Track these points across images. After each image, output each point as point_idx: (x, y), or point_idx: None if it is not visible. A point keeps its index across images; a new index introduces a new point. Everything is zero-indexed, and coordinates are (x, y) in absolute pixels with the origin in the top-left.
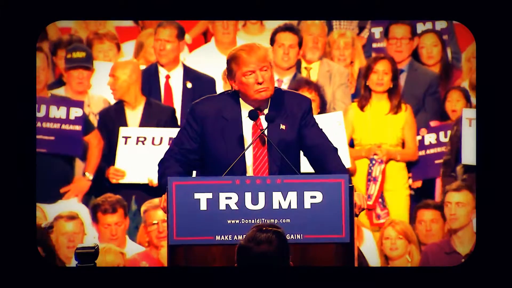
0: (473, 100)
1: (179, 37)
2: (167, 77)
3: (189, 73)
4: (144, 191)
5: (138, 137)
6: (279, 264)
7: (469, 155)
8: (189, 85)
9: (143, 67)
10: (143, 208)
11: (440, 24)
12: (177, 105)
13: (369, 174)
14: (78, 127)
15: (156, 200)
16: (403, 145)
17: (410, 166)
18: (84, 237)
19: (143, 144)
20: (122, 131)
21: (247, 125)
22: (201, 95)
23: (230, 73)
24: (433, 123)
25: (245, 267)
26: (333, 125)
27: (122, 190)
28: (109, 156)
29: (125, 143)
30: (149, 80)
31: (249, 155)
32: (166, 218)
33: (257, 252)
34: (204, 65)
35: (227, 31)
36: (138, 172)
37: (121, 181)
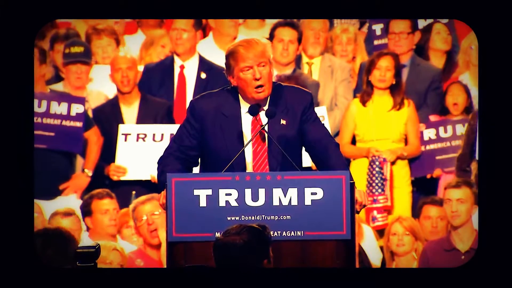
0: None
1: (195, 26)
2: (182, 67)
3: (204, 63)
4: (144, 187)
5: (138, 134)
6: (246, 258)
7: None
8: (203, 75)
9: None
10: (131, 207)
11: (441, 21)
12: (189, 95)
13: (382, 174)
14: (79, 124)
15: (142, 197)
16: (405, 141)
17: (410, 161)
18: (81, 234)
19: (144, 141)
20: (122, 128)
21: (247, 121)
22: (215, 86)
23: (228, 69)
24: (432, 118)
25: (217, 263)
26: None
27: (122, 187)
28: (105, 153)
29: (125, 140)
30: (163, 71)
31: (249, 151)
32: (155, 212)
33: (223, 243)
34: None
35: (232, 23)
36: (139, 169)
37: (122, 178)
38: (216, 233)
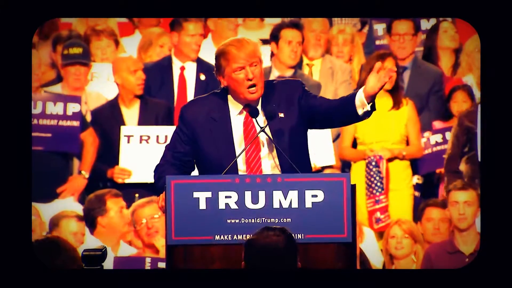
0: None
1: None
2: (182, 68)
3: (203, 65)
4: (147, 190)
5: (141, 136)
6: (286, 259)
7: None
8: (202, 77)
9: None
10: (130, 210)
11: (448, 19)
12: (190, 96)
13: (380, 172)
14: (76, 123)
15: (141, 200)
16: (407, 142)
17: (416, 159)
18: (84, 238)
19: (147, 142)
20: (124, 130)
21: (237, 123)
22: (215, 87)
23: (218, 69)
24: (437, 124)
25: (252, 265)
26: None
27: (124, 190)
28: (106, 155)
29: (128, 142)
30: (162, 72)
31: (241, 156)
32: (154, 216)
33: (264, 243)
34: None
35: (232, 25)
36: (144, 171)
37: (127, 180)
38: (241, 237)
